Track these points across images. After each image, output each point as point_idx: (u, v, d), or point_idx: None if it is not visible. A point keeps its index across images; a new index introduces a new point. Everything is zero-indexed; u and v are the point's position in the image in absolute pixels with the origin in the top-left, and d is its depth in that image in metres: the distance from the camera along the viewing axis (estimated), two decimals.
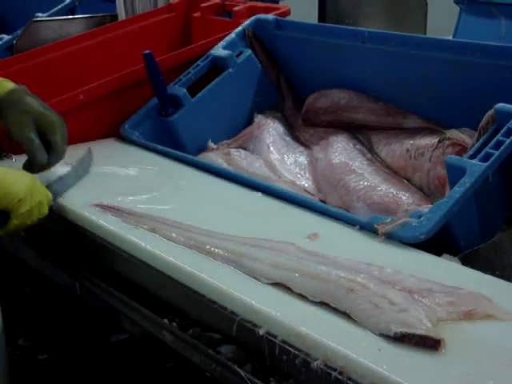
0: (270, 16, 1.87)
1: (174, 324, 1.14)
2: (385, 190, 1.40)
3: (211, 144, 1.72)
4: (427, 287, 0.99)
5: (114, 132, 1.71)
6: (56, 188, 1.37)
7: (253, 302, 1.00)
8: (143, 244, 1.19)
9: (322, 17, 3.06)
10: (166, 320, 1.15)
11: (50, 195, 1.32)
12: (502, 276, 1.10)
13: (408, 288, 0.98)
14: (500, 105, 1.24)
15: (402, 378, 0.84)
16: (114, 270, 1.27)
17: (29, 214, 1.24)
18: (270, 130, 1.73)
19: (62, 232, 1.40)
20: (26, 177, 1.27)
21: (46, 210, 1.29)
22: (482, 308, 0.95)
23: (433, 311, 0.93)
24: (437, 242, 1.15)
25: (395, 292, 0.96)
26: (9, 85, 1.41)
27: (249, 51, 1.81)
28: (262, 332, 0.97)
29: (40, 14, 2.61)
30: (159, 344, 1.18)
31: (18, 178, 1.25)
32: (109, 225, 1.27)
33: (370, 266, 1.05)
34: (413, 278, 1.02)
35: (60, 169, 1.42)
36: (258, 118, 1.78)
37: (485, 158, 1.18)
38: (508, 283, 1.06)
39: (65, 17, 2.51)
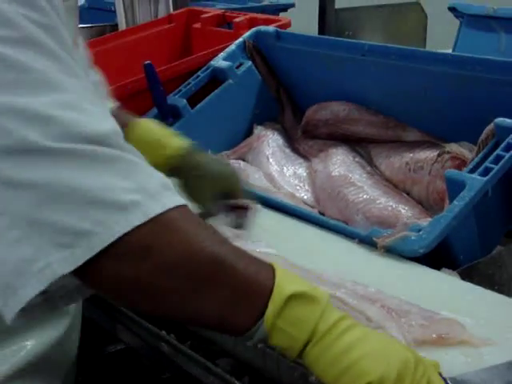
0: (271, 28, 1.87)
1: (172, 335, 1.13)
2: (384, 203, 1.40)
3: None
4: (406, 309, 0.98)
5: None
6: None
7: None
8: None
9: (322, 29, 3.07)
10: (163, 331, 1.14)
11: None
12: (501, 290, 1.10)
13: (387, 307, 0.97)
14: (500, 119, 1.24)
15: None
16: None
17: None
18: (270, 142, 1.73)
19: None
20: (403, 353, 0.76)
21: None
22: (454, 334, 0.94)
23: (408, 331, 0.93)
24: (436, 256, 1.15)
25: (373, 309, 0.95)
26: (180, 143, 1.25)
27: (249, 63, 1.82)
28: (260, 344, 0.97)
29: None
30: (156, 355, 1.18)
31: (383, 350, 0.76)
32: None
33: (355, 285, 1.04)
34: (394, 299, 1.01)
35: None
36: (258, 130, 1.78)
37: (484, 173, 1.19)
38: (507, 298, 1.06)
39: None
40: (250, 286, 0.76)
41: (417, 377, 0.74)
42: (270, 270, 0.78)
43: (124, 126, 1.15)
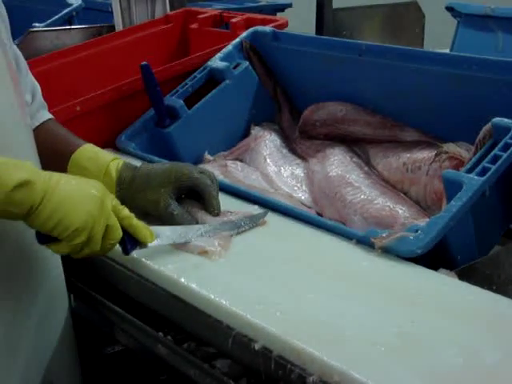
0: (268, 28, 1.87)
1: (169, 337, 1.13)
2: (382, 203, 1.39)
3: (208, 156, 1.72)
4: None
5: (110, 143, 1.70)
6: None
7: (248, 316, 1.00)
8: (135, 255, 1.19)
9: (319, 29, 3.07)
10: (160, 333, 1.14)
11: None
12: (498, 290, 1.10)
13: None
14: (497, 119, 1.24)
15: None
16: (110, 283, 1.27)
17: (87, 242, 1.05)
18: (267, 142, 1.72)
19: None
20: (93, 197, 1.05)
21: (117, 235, 1.10)
22: None
23: None
24: (434, 257, 1.15)
25: None
26: (112, 169, 1.31)
27: (246, 63, 1.81)
28: (257, 347, 0.97)
29: (37, 24, 2.62)
30: (153, 357, 1.18)
31: (81, 201, 1.03)
32: None
33: None
34: None
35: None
36: (255, 130, 1.78)
37: (482, 173, 1.18)
38: (505, 298, 1.05)
39: (62, 27, 2.51)
40: None
41: (107, 211, 1.06)
42: None
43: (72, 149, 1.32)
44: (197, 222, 1.27)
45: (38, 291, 1.16)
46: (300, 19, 2.84)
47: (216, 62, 1.79)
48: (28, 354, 1.14)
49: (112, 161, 1.32)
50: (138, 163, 1.61)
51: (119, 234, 1.10)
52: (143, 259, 1.18)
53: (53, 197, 1.00)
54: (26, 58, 1.91)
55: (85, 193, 1.05)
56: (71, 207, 1.01)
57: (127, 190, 1.30)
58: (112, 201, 1.10)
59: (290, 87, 1.84)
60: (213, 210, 1.29)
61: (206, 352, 1.08)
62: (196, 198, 1.31)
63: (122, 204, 1.26)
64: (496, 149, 1.21)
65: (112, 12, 2.32)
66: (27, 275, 1.13)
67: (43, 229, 1.01)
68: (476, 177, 1.18)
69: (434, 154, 1.42)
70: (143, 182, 1.29)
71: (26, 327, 1.13)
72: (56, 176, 1.02)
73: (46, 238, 1.03)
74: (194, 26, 2.18)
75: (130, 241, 1.13)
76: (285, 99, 1.84)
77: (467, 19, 2.60)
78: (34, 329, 1.15)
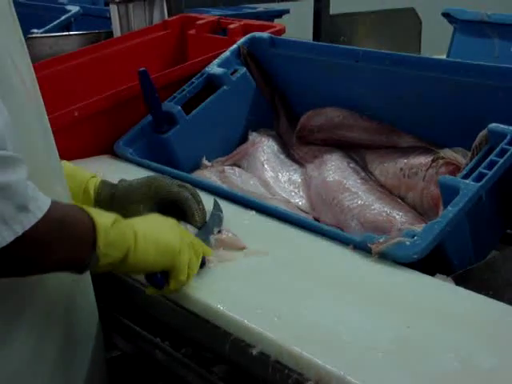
0: (265, 34, 1.88)
1: (167, 343, 1.13)
2: (378, 208, 1.40)
3: (205, 161, 1.72)
4: None
5: (108, 149, 1.71)
6: None
7: (246, 322, 1.00)
8: None
9: (316, 35, 3.08)
10: (158, 339, 1.14)
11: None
12: (495, 296, 1.10)
13: None
14: (493, 125, 1.25)
15: None
16: (108, 288, 1.27)
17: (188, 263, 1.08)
18: (265, 148, 1.73)
19: None
20: (170, 221, 1.10)
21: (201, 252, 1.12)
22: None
23: None
24: (430, 262, 1.15)
25: None
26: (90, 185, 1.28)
27: (243, 69, 1.82)
28: (255, 352, 0.97)
29: (36, 30, 2.62)
30: (151, 362, 1.18)
31: (165, 226, 1.08)
32: None
33: None
34: None
35: None
36: (253, 136, 1.78)
37: (478, 178, 1.19)
38: (501, 303, 1.06)
39: (60, 33, 2.52)
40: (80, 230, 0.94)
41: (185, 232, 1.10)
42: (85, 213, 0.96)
43: None
44: None
45: None
46: (297, 25, 2.85)
47: (214, 68, 1.79)
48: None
49: (90, 178, 1.28)
50: (136, 169, 1.62)
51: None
52: None
53: (145, 231, 1.02)
54: None
55: (163, 220, 1.09)
56: (164, 232, 1.05)
57: (106, 209, 1.23)
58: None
59: (287, 93, 1.84)
60: (195, 223, 1.26)
61: (203, 357, 1.08)
62: (178, 212, 1.27)
63: None
64: (492, 154, 1.21)
65: (110, 18, 2.33)
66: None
67: (148, 265, 1.02)
68: (472, 182, 1.18)
69: (430, 159, 1.43)
70: (122, 199, 1.27)
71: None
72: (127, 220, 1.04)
73: (160, 280, 1.05)
74: (192, 32, 2.18)
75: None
76: (282, 105, 1.84)
77: (463, 25, 2.61)
78: None
